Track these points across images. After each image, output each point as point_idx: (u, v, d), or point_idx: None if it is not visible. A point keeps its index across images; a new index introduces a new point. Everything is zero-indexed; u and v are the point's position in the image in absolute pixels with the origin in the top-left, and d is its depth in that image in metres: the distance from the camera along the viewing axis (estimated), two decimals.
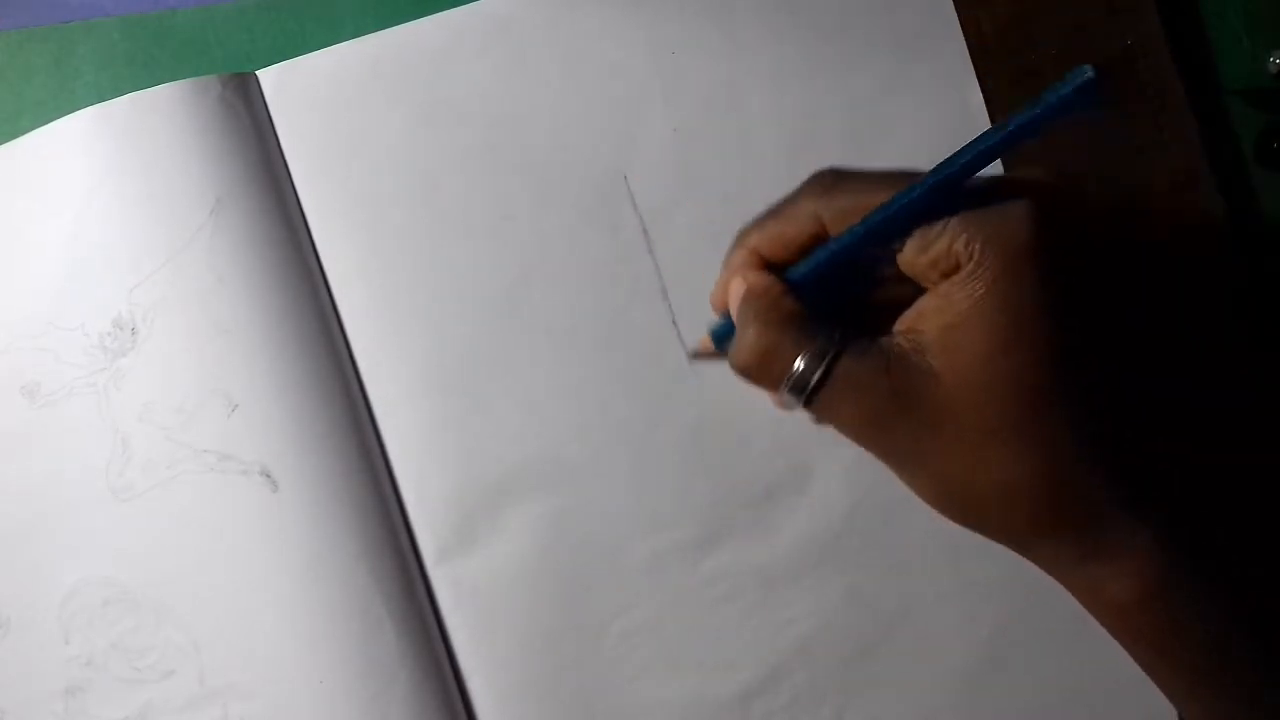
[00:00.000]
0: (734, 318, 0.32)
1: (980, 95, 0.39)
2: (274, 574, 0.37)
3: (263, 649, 0.37)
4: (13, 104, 0.40)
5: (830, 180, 0.32)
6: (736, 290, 0.32)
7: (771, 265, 0.32)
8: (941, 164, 0.29)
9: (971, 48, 0.39)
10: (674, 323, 0.39)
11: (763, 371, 0.31)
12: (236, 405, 0.37)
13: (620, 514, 0.38)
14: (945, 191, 0.29)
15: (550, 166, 0.39)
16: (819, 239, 0.31)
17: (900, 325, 0.30)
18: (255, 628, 0.37)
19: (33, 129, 0.38)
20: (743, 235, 0.33)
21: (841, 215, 0.31)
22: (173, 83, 0.38)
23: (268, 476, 0.37)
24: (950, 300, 0.29)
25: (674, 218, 0.39)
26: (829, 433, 0.38)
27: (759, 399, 0.39)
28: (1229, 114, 0.41)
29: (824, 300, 0.31)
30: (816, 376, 0.30)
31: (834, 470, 0.38)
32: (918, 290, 0.30)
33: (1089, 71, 0.27)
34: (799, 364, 0.30)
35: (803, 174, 0.39)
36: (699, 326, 0.39)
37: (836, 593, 0.38)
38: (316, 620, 0.37)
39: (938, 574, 0.38)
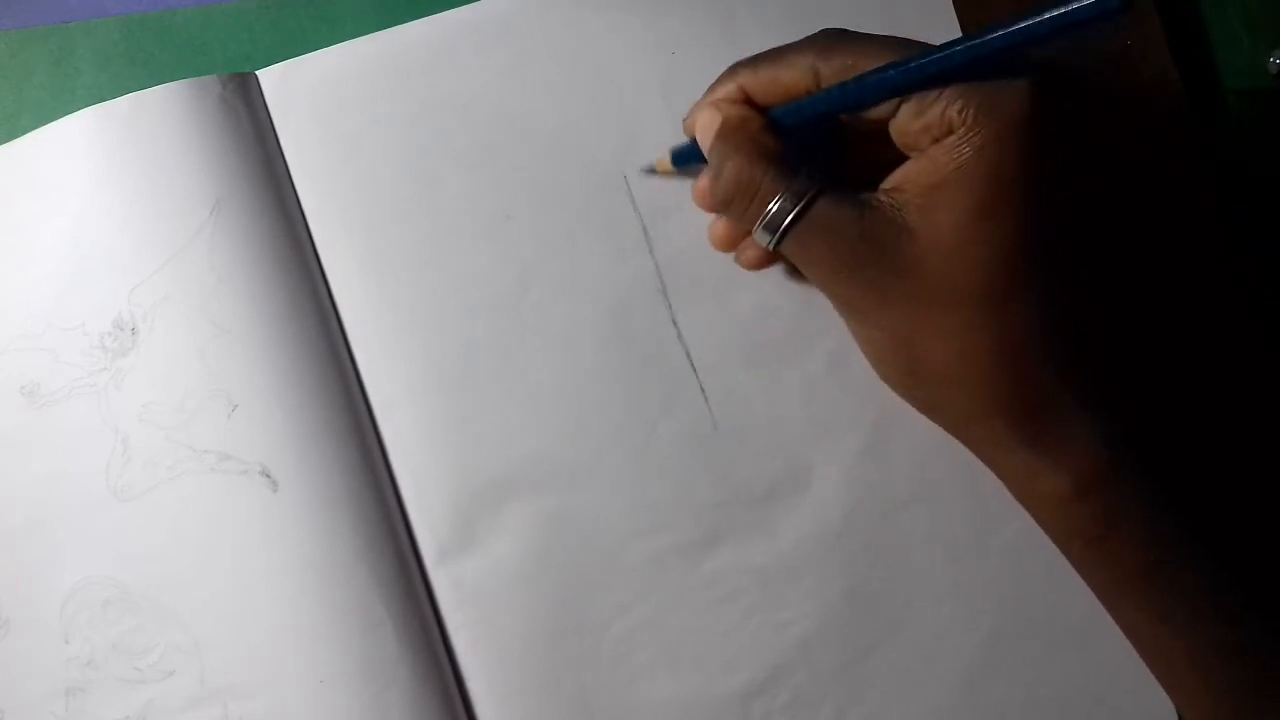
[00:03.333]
0: (702, 146, 0.32)
1: None
2: (274, 574, 0.37)
3: (263, 649, 0.37)
4: (13, 104, 0.40)
5: (834, 36, 0.31)
6: (710, 120, 0.32)
7: (755, 106, 0.32)
8: (948, 42, 0.29)
9: None
10: (674, 322, 0.39)
11: (739, 205, 0.31)
12: (236, 405, 0.37)
13: (620, 514, 0.38)
14: (945, 68, 0.28)
15: (551, 166, 0.39)
16: (810, 92, 0.31)
17: (885, 185, 0.30)
18: (255, 628, 0.37)
19: (33, 129, 0.38)
20: (733, 69, 0.33)
21: (839, 72, 0.30)
22: (173, 83, 0.38)
23: (268, 476, 0.37)
24: (935, 163, 0.29)
25: (674, 218, 0.39)
26: (829, 432, 0.38)
27: (759, 399, 0.39)
28: (1229, 113, 0.41)
29: (803, 149, 0.31)
30: (792, 215, 0.30)
31: (834, 470, 0.38)
32: (898, 159, 0.30)
33: None
34: (776, 201, 0.30)
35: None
36: (699, 326, 0.39)
37: (836, 593, 0.38)
38: (317, 620, 0.37)
39: (938, 574, 0.38)
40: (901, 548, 0.38)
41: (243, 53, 0.40)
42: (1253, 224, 0.39)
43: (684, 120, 0.35)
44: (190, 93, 0.38)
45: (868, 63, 0.30)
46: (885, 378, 0.31)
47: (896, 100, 0.29)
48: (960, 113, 0.28)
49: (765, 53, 0.33)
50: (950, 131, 0.28)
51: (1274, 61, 0.41)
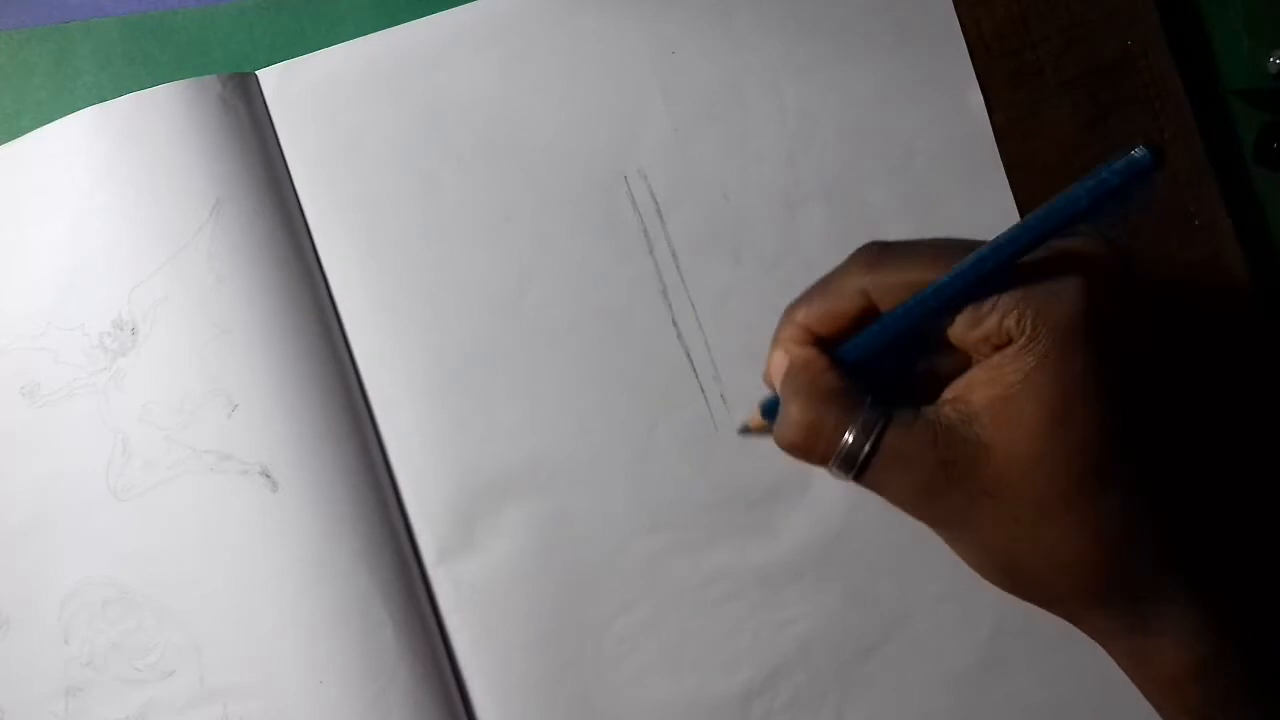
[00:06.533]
0: (778, 391, 0.32)
1: (980, 95, 0.39)
2: (274, 574, 0.37)
3: (263, 649, 0.37)
4: (13, 104, 0.40)
5: (876, 254, 0.31)
6: (779, 365, 0.32)
7: (820, 339, 0.32)
8: (991, 244, 0.29)
9: (971, 47, 0.40)
10: (674, 322, 0.39)
11: (809, 447, 0.31)
12: (236, 405, 0.37)
13: (620, 514, 0.38)
14: (994, 271, 0.28)
15: (551, 166, 0.39)
16: (867, 313, 0.31)
17: (948, 394, 0.30)
18: (255, 628, 0.37)
19: (33, 129, 0.38)
20: (790, 310, 0.33)
21: (888, 291, 0.30)
22: (173, 83, 0.38)
23: (267, 476, 0.37)
24: (1001, 373, 0.28)
25: (674, 218, 0.39)
26: None
27: (759, 400, 0.39)
28: (1229, 113, 0.42)
29: (870, 372, 0.31)
30: (865, 450, 0.30)
31: None
32: (962, 359, 0.30)
33: (1144, 152, 0.27)
34: (847, 438, 0.30)
35: (802, 174, 0.39)
36: (699, 327, 0.39)
37: (836, 593, 0.38)
38: (317, 620, 0.37)
39: (938, 574, 0.38)
40: (901, 548, 0.38)
41: (242, 53, 0.41)
42: None
43: (763, 375, 0.35)
44: (190, 93, 0.38)
45: (915, 276, 0.30)
46: (992, 582, 0.32)
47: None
48: (1018, 323, 0.28)
49: (814, 286, 0.33)
50: (1010, 340, 0.28)
51: (1274, 61, 0.41)
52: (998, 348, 0.29)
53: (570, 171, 0.39)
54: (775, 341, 0.33)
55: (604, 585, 0.38)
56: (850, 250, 0.37)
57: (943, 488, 0.29)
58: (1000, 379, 0.28)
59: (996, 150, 0.39)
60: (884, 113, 0.39)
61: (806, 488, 0.38)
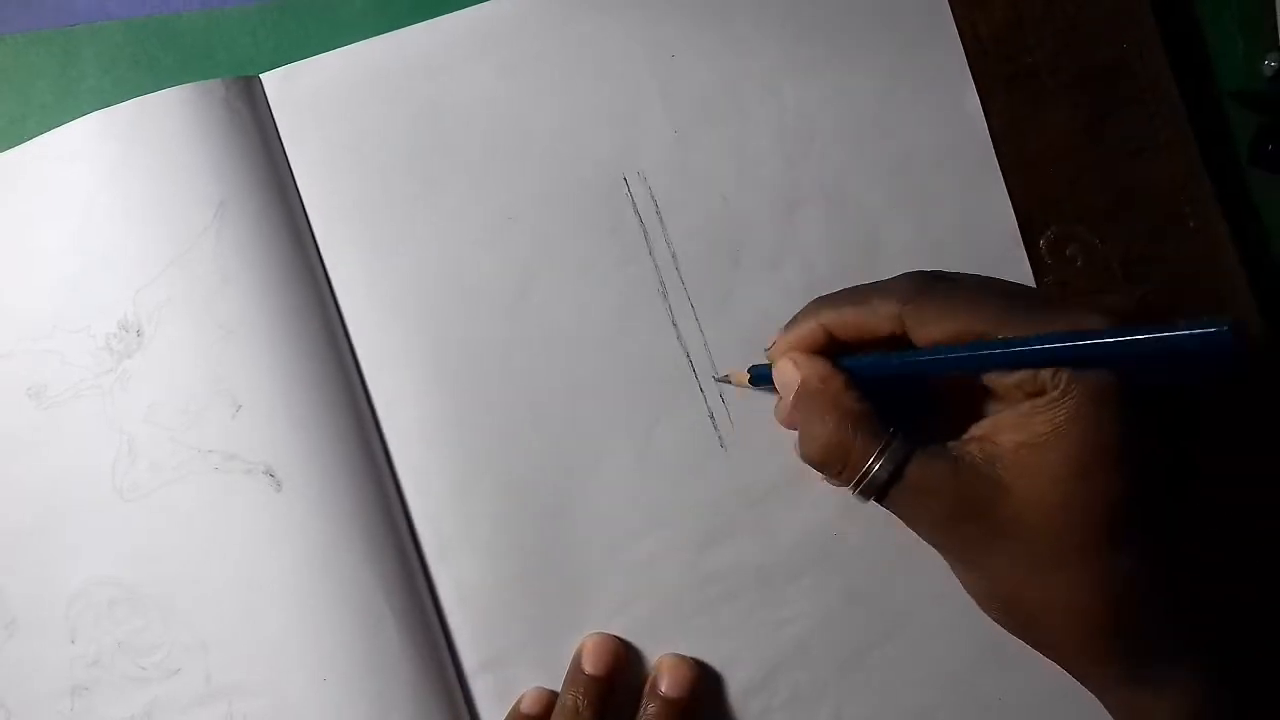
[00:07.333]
0: (782, 395, 0.33)
1: (976, 97, 0.40)
2: (278, 573, 0.37)
3: (267, 647, 0.37)
4: (18, 107, 0.41)
5: (919, 286, 0.32)
6: (789, 377, 0.33)
7: (832, 342, 0.33)
8: (1040, 339, 0.29)
9: (968, 50, 0.40)
10: (674, 323, 0.39)
11: (833, 467, 0.32)
12: (241, 406, 0.37)
13: (620, 514, 0.39)
14: (1033, 360, 0.29)
15: (551, 169, 0.39)
16: (895, 339, 0.31)
17: (975, 432, 0.31)
18: (260, 626, 0.37)
19: (38, 132, 0.38)
20: (816, 306, 0.33)
21: (925, 328, 0.31)
22: (177, 86, 0.38)
23: (272, 476, 0.37)
24: (1031, 421, 0.29)
25: (674, 219, 0.39)
26: None
27: (759, 400, 0.39)
28: (1225, 116, 0.42)
29: (883, 393, 0.32)
30: (887, 477, 0.30)
31: None
32: (982, 396, 0.31)
33: (1224, 329, 0.25)
34: (873, 465, 0.30)
35: (801, 176, 0.40)
36: (699, 327, 0.39)
37: (835, 592, 0.38)
38: (320, 618, 0.37)
39: (937, 574, 0.38)
40: (901, 548, 0.38)
41: (246, 56, 0.41)
42: None
43: (766, 350, 0.35)
44: (194, 96, 0.38)
45: (954, 325, 0.30)
46: (988, 612, 0.32)
47: None
48: (1053, 376, 0.29)
49: (849, 293, 0.33)
50: (1043, 391, 0.29)
51: (1269, 64, 0.41)
52: (1030, 395, 0.29)
53: (571, 173, 0.39)
54: (792, 326, 0.34)
55: (604, 584, 0.39)
56: (848, 250, 0.38)
57: (959, 522, 0.30)
58: (1029, 426, 0.29)
59: (993, 152, 0.40)
60: (882, 115, 0.40)
61: (805, 488, 0.39)
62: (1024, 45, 0.40)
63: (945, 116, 0.40)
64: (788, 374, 0.33)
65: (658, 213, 0.39)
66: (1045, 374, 0.29)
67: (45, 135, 0.38)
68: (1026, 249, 0.40)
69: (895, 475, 0.30)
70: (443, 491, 0.39)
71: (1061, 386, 0.29)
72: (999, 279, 0.32)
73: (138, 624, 0.38)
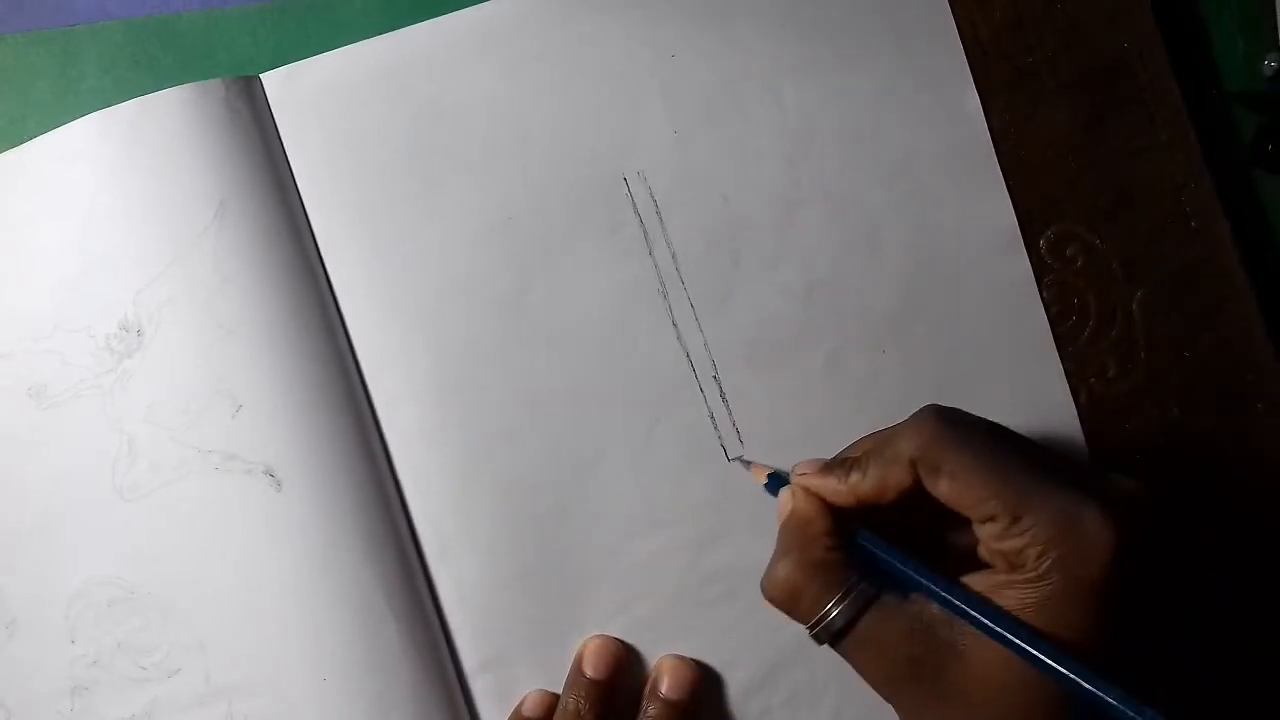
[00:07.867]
0: (777, 511, 0.33)
1: (976, 97, 0.40)
2: (278, 573, 0.37)
3: (267, 647, 0.37)
4: (19, 107, 0.41)
5: (937, 444, 0.30)
6: (784, 504, 0.33)
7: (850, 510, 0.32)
8: (1035, 642, 0.28)
9: (968, 50, 0.40)
10: (674, 323, 0.39)
11: (789, 607, 0.32)
12: (241, 406, 0.37)
13: (620, 513, 0.39)
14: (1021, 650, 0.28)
15: (551, 168, 0.39)
16: (903, 488, 0.31)
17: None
18: (260, 626, 0.37)
19: (39, 132, 0.38)
20: (845, 468, 0.32)
21: (939, 488, 0.30)
22: (177, 86, 0.38)
23: (272, 476, 0.37)
24: (1000, 595, 0.29)
25: (674, 219, 0.39)
26: (827, 431, 0.39)
27: (759, 399, 0.39)
28: (1225, 116, 0.42)
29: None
30: (840, 626, 0.30)
31: None
32: (960, 538, 0.31)
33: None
34: (829, 610, 0.30)
35: (801, 176, 0.40)
36: (699, 327, 0.39)
37: None
38: (320, 618, 0.37)
39: None
40: None
41: (246, 56, 0.41)
42: None
43: (794, 467, 0.34)
44: (194, 96, 0.38)
45: (963, 494, 0.29)
46: None
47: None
48: (1037, 559, 0.28)
49: (875, 439, 0.32)
50: (1022, 566, 0.29)
51: (1269, 64, 0.41)
52: (1009, 565, 0.29)
53: (571, 173, 0.39)
54: (823, 471, 0.33)
55: (604, 584, 0.39)
56: (848, 250, 0.37)
57: (905, 681, 0.30)
58: (999, 596, 0.29)
59: (994, 152, 0.40)
60: (882, 115, 0.40)
61: None
62: (1024, 45, 0.40)
63: (945, 117, 0.40)
64: (783, 503, 0.33)
65: (658, 212, 0.39)
66: (1030, 553, 0.28)
67: (45, 135, 0.38)
68: (1026, 249, 0.40)
69: (849, 625, 0.30)
70: (443, 491, 0.39)
71: (1040, 571, 0.28)
72: (1012, 432, 0.31)
73: (137, 624, 0.38)
